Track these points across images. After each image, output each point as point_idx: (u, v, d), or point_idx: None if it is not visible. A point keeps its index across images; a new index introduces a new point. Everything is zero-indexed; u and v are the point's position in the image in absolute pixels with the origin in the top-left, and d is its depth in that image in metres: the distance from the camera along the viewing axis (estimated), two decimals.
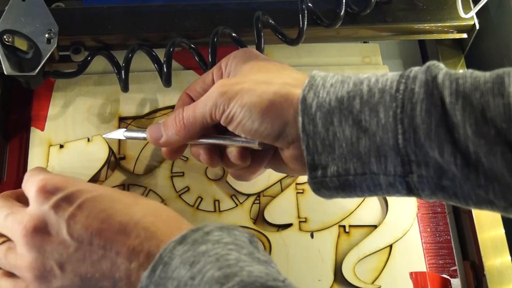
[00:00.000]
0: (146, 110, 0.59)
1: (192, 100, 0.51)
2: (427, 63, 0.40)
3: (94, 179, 0.55)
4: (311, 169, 0.43)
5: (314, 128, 0.41)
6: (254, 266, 0.36)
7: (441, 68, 0.40)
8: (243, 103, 0.43)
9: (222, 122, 0.45)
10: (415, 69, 0.41)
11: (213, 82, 0.50)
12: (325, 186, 0.43)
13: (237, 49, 0.52)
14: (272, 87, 0.44)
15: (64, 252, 0.40)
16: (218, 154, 0.49)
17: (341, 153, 0.41)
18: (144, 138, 0.51)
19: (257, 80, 0.45)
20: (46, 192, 0.42)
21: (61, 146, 0.56)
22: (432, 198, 0.41)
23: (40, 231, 0.41)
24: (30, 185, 0.44)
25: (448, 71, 0.39)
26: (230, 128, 0.45)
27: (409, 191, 0.41)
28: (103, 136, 0.55)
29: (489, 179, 0.37)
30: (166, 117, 0.59)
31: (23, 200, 0.45)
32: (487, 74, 0.38)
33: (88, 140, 0.57)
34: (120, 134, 0.53)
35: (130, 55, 0.54)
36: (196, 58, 0.55)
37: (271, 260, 0.38)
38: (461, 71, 0.39)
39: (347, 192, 0.43)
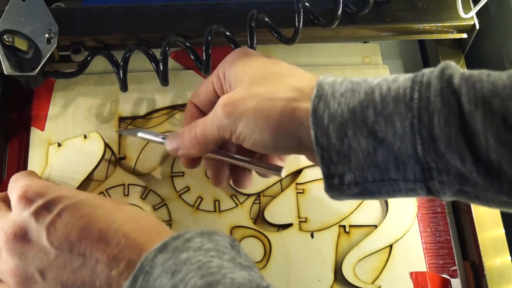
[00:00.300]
0: (146, 110, 0.59)
1: (199, 110, 0.51)
2: (440, 66, 0.39)
3: (90, 177, 0.55)
4: (327, 178, 0.42)
5: (328, 140, 0.40)
6: (236, 272, 0.35)
7: (455, 71, 0.38)
8: (251, 126, 0.43)
9: (234, 141, 0.45)
10: (427, 74, 0.39)
11: (215, 92, 0.49)
12: (343, 193, 0.42)
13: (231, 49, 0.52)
14: (277, 105, 0.42)
15: (45, 259, 0.40)
16: (225, 173, 0.50)
17: (357, 163, 0.40)
18: (161, 143, 0.51)
19: (260, 96, 0.43)
20: (27, 198, 0.42)
21: (59, 145, 0.56)
22: (453, 199, 0.41)
23: (20, 238, 0.41)
24: (12, 191, 0.44)
25: (463, 74, 0.38)
26: (245, 146, 0.45)
27: (429, 193, 0.40)
28: (119, 132, 0.56)
29: None
30: (165, 117, 0.59)
31: None
32: (504, 77, 0.37)
33: (85, 137, 0.57)
34: (136, 134, 0.53)
35: (127, 55, 0.54)
36: (191, 57, 0.55)
37: (253, 264, 0.38)
38: (475, 72, 0.38)
39: (365, 197, 0.42)
